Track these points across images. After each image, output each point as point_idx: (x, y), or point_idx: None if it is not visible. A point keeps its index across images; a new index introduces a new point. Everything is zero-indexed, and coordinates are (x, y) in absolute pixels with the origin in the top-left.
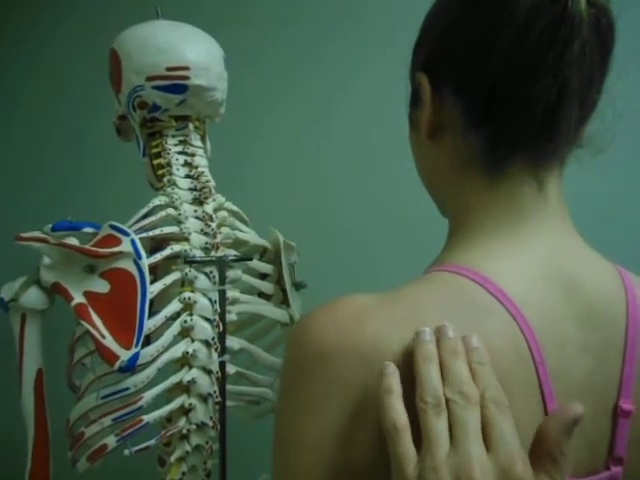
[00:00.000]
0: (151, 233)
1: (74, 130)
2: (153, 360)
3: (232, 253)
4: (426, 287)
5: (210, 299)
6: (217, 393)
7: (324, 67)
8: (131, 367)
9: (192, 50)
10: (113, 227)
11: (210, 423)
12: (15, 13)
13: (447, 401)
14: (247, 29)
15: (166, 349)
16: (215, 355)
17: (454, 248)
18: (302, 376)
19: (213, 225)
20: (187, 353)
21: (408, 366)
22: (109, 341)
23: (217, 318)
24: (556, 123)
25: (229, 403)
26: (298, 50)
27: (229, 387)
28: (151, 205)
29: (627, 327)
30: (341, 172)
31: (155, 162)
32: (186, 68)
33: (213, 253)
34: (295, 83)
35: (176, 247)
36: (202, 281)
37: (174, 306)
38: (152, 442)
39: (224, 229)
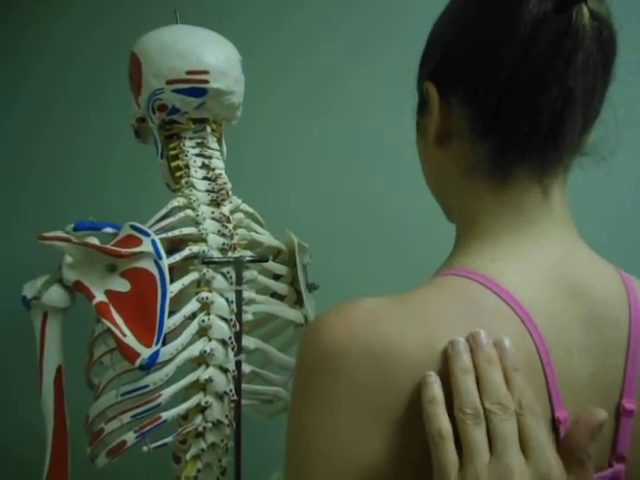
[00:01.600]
0: (170, 234)
1: (70, 130)
2: (172, 358)
3: (248, 254)
4: (436, 290)
5: (227, 299)
6: (233, 391)
7: (325, 65)
8: (151, 365)
9: (211, 54)
10: (134, 227)
11: (226, 421)
12: (12, 12)
13: (485, 411)
14: (245, 26)
15: (184, 348)
16: (231, 354)
17: (462, 252)
18: (314, 377)
19: (230, 226)
20: (204, 352)
21: (441, 374)
22: (130, 339)
23: (234, 318)
24: (561, 132)
25: (244, 402)
26: (302, 49)
27: (244, 386)
28: (170, 206)
29: (630, 330)
30: (354, 174)
31: (173, 164)
32: (205, 72)
33: (230, 254)
34: (308, 82)
35: (194, 248)
36: (219, 281)
37: (192, 306)
38: (170, 439)
39: (240, 230)
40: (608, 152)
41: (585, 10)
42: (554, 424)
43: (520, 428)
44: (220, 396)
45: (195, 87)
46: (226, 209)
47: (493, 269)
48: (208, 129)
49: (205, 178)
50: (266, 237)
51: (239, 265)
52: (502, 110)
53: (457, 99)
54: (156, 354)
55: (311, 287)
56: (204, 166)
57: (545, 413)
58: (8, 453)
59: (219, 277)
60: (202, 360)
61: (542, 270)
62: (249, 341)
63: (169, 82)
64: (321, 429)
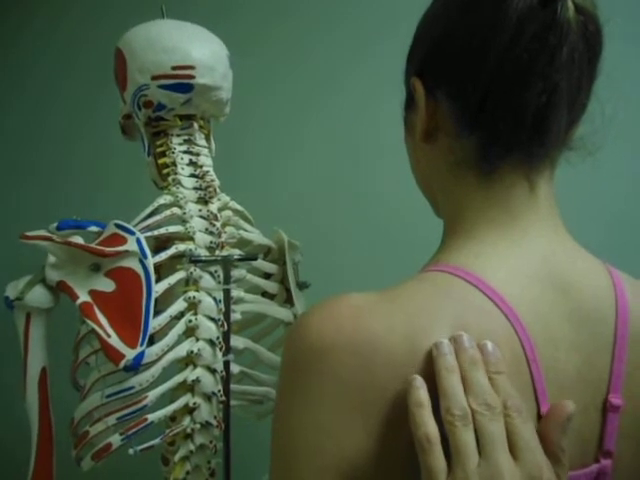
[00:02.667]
0: (156, 232)
1: (70, 128)
2: (158, 359)
3: (237, 252)
4: (421, 286)
5: (215, 298)
6: (221, 392)
7: (326, 64)
8: (136, 366)
9: (197, 49)
10: (118, 226)
11: (214, 422)
12: (11, 10)
13: (472, 412)
14: (244, 27)
15: (171, 348)
16: (219, 354)
17: (448, 248)
18: (299, 373)
19: (218, 224)
20: (192, 352)
21: (425, 374)
22: (114, 340)
23: (222, 317)
24: (546, 126)
25: (233, 402)
26: (299, 45)
27: (233, 386)
28: (156, 204)
29: (616, 325)
30: (344, 171)
31: (160, 161)
32: (191, 67)
33: (218, 252)
34: (297, 79)
35: (181, 246)
36: (207, 280)
37: (179, 305)
38: (156, 441)
39: (229, 228)
40: (595, 147)
41: (570, 4)
42: (540, 420)
43: (507, 429)
44: (208, 397)
45: (181, 83)
46: (214, 207)
47: (478, 265)
48: (195, 126)
49: (192, 175)
50: (255, 235)
51: (227, 264)
52: (487, 104)
53: (443, 94)
54: (141, 355)
55: (302, 285)
56: (191, 163)
57: (531, 409)
58: (4, 450)
59: (207, 276)
60: (189, 360)
61: (528, 266)
62: (238, 341)
63: (154, 78)
64: (306, 426)
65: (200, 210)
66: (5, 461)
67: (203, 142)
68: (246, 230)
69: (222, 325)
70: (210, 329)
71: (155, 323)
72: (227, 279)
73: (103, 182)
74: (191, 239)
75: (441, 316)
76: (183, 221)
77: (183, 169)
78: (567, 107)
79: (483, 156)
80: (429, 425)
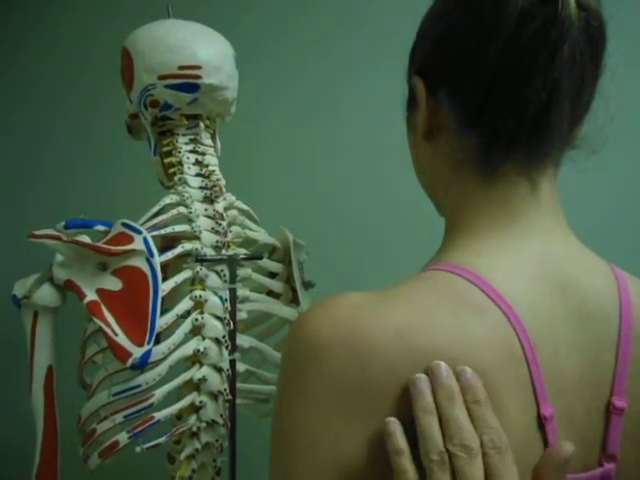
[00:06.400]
0: (162, 231)
1: (77, 128)
2: (164, 358)
3: (243, 252)
4: (421, 285)
5: (221, 297)
6: (227, 391)
7: (330, 64)
8: (143, 364)
9: (204, 49)
10: (125, 225)
11: (220, 421)
12: (18, 9)
13: (449, 454)
14: (251, 25)
15: (177, 347)
16: (225, 353)
17: (449, 247)
18: (298, 372)
19: (224, 224)
20: (198, 351)
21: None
22: (121, 338)
23: (228, 316)
24: (548, 124)
25: (239, 401)
26: (303, 48)
27: (239, 385)
28: (162, 203)
29: (620, 325)
30: (349, 171)
31: (166, 161)
32: (198, 67)
33: (224, 252)
34: (302, 80)
35: (187, 245)
36: (213, 279)
37: (185, 304)
38: (163, 439)
39: (234, 228)
40: (599, 145)
41: (571, 0)
42: (539, 421)
43: (486, 468)
44: (214, 395)
45: (187, 82)
46: (220, 206)
47: (479, 264)
48: (202, 125)
49: (198, 175)
50: (261, 234)
51: (233, 263)
52: (488, 103)
53: (444, 92)
54: (148, 353)
55: (307, 285)
56: (197, 162)
57: (530, 411)
58: (11, 448)
59: (213, 275)
60: (196, 359)
61: (529, 265)
62: (244, 340)
63: (161, 77)
64: (303, 424)
65: (206, 209)
66: (11, 459)
67: (209, 141)
68: (252, 229)
69: (228, 324)
70: (216, 328)
71: (162, 322)
72: (233, 278)
73: (110, 181)
74: (197, 238)
75: (439, 315)
76: (189, 220)
77: (189, 168)
78: (570, 105)
79: (484, 155)
80: (409, 472)
